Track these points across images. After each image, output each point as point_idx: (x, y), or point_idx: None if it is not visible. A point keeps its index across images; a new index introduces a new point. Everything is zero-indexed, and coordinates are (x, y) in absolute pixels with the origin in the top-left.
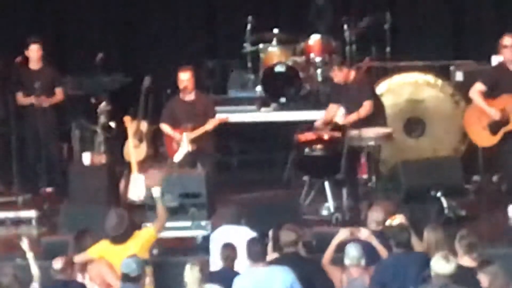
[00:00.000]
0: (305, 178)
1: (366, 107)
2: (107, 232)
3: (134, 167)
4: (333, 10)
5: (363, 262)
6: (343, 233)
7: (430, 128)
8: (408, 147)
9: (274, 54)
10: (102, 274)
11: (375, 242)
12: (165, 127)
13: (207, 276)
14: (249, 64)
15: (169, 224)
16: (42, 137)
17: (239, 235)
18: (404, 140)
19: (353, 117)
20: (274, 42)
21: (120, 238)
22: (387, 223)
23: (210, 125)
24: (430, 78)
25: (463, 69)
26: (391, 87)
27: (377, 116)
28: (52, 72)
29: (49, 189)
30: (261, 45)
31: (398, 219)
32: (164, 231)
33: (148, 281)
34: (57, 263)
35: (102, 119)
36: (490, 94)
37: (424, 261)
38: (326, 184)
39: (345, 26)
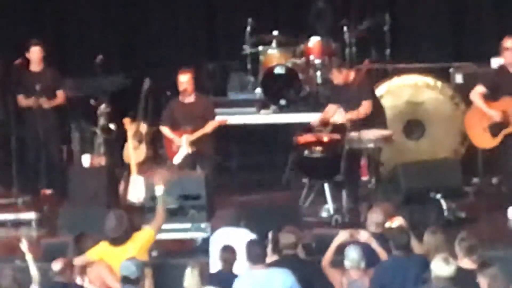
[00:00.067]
0: (305, 180)
1: (365, 106)
2: (106, 234)
3: (134, 169)
4: (333, 12)
5: (363, 264)
6: (342, 235)
7: (430, 130)
8: (408, 149)
9: (274, 56)
10: (101, 276)
11: (374, 244)
12: (164, 130)
13: (206, 278)
14: (249, 66)
15: (168, 226)
16: (43, 139)
17: (239, 237)
18: (404, 142)
19: (353, 115)
20: (274, 44)
21: (119, 240)
22: (387, 225)
23: (209, 127)
24: (429, 80)
25: (463, 71)
26: (391, 89)
27: (377, 118)
28: (53, 74)
29: (48, 191)
30: (260, 47)
31: (397, 221)
32: (164, 233)
33: (148, 283)
34: (57, 265)
35: (102, 121)
36: (491, 97)
37: (424, 264)
38: (326, 186)
39: (345, 28)
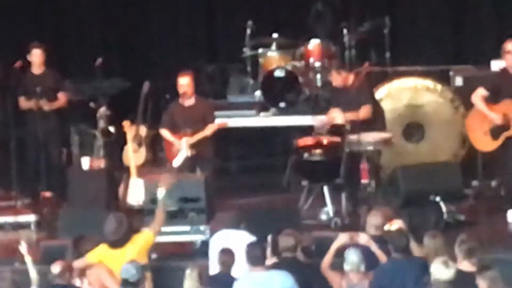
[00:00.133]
0: (304, 182)
1: (365, 110)
2: (106, 237)
3: (133, 171)
4: (333, 15)
5: (362, 267)
6: (342, 238)
7: (430, 133)
8: (408, 152)
9: (274, 58)
10: (101, 278)
11: (374, 247)
12: (164, 132)
13: (206, 280)
14: (249, 69)
15: (168, 228)
16: (43, 141)
17: (238, 239)
18: (404, 145)
19: (352, 116)
20: (274, 46)
21: (118, 242)
22: (386, 228)
23: (209, 130)
24: (429, 83)
25: (463, 74)
26: (391, 92)
27: (377, 121)
28: (55, 77)
29: (48, 194)
30: (260, 50)
31: (396, 224)
32: (163, 236)
33: (147, 286)
34: (56, 268)
35: (102, 123)
36: (492, 99)
37: (423, 266)
38: (325, 188)
39: (345, 31)
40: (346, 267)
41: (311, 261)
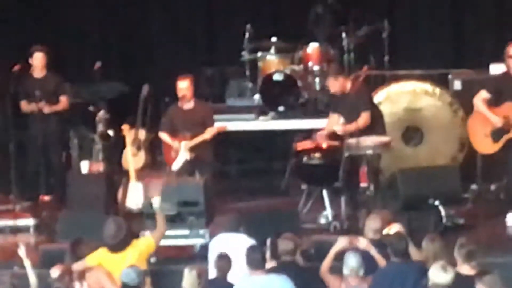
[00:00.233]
0: (304, 186)
1: (364, 117)
2: (105, 240)
3: (132, 175)
4: (332, 19)
5: (361, 272)
6: (341, 242)
7: (428, 137)
8: (406, 156)
9: (272, 62)
10: (100, 282)
11: (373, 251)
12: (163, 136)
13: (205, 284)
14: (247, 73)
15: (167, 232)
16: (43, 145)
17: (238, 243)
18: (402, 148)
19: (351, 127)
20: (272, 50)
21: (118, 246)
22: (385, 231)
23: (208, 133)
24: (428, 86)
25: (462, 77)
26: (389, 96)
27: (376, 125)
28: (56, 80)
29: (47, 197)
30: (259, 54)
31: (395, 228)
32: (163, 240)
33: None
34: (55, 272)
35: (101, 127)
36: (494, 102)
37: (422, 270)
38: (325, 192)
39: (344, 35)
40: (345, 271)
41: (310, 265)
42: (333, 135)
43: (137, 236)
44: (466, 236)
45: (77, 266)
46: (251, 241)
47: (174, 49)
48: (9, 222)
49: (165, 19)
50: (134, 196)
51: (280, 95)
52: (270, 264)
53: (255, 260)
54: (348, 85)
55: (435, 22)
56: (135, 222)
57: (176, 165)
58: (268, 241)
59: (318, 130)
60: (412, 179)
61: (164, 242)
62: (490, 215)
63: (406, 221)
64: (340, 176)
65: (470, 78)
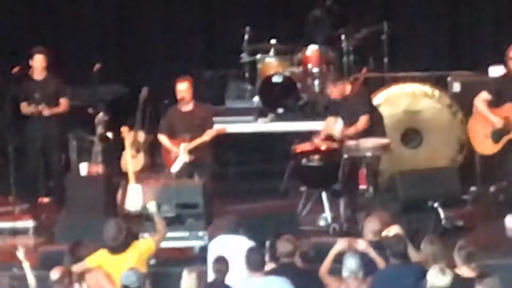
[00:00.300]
0: (303, 188)
1: (363, 121)
2: (105, 242)
3: (132, 177)
4: (331, 21)
5: (361, 274)
6: (340, 244)
7: (428, 139)
8: (406, 158)
9: (272, 64)
10: (99, 283)
11: (372, 253)
12: (162, 138)
13: (204, 286)
14: (247, 75)
15: (166, 234)
16: (42, 147)
17: (237, 244)
18: (402, 150)
19: (351, 131)
20: (272, 52)
21: (118, 248)
22: (384, 233)
23: (207, 135)
24: (427, 88)
25: (461, 80)
26: (389, 98)
27: (375, 127)
28: (56, 83)
29: (46, 199)
30: (258, 56)
31: (394, 230)
32: (161, 243)
33: None
34: (55, 274)
35: (100, 129)
36: (495, 103)
37: (421, 272)
38: (324, 194)
39: (343, 37)
40: (345, 273)
41: (309, 267)
42: (331, 138)
43: (136, 238)
44: (465, 238)
45: (76, 268)
46: (250, 243)
47: (173, 51)
48: (8, 224)
49: (165, 21)
50: (133, 198)
51: (279, 97)
52: (269, 266)
53: (255, 262)
54: (348, 88)
55: (434, 24)
56: (134, 224)
57: (175, 167)
58: (267, 243)
59: (317, 132)
60: (411, 181)
61: (163, 244)
62: (489, 217)
63: (405, 223)
64: (339, 178)
65: (469, 80)
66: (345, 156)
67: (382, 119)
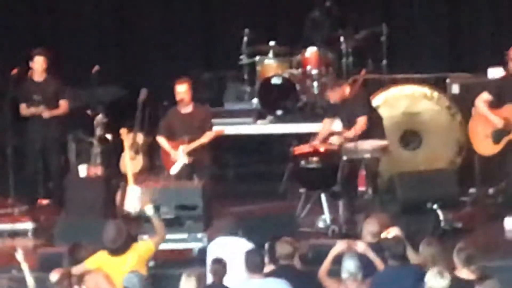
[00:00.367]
0: (302, 190)
1: (361, 122)
2: (105, 244)
3: (130, 179)
4: (330, 23)
5: (360, 276)
6: (339, 246)
7: (426, 141)
8: (405, 160)
9: (271, 66)
10: (99, 285)
11: (371, 255)
12: (161, 140)
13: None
14: (246, 77)
15: (165, 236)
16: (42, 149)
17: (236, 246)
18: (400, 152)
19: (349, 134)
20: (271, 54)
21: (118, 250)
22: (383, 235)
23: (207, 137)
24: (426, 90)
25: (459, 81)
26: (388, 100)
27: (374, 129)
28: (56, 84)
29: (45, 201)
30: (257, 58)
31: (393, 232)
32: (160, 245)
33: None
34: (54, 276)
35: (99, 131)
36: (495, 104)
37: (420, 274)
38: (323, 196)
39: (342, 39)
40: (344, 275)
41: (308, 269)
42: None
43: (136, 240)
44: (464, 240)
45: (76, 270)
46: (249, 245)
47: (172, 53)
48: (8, 226)
49: (164, 23)
50: (132, 200)
51: (278, 99)
52: (268, 268)
53: (254, 264)
54: (347, 90)
55: (433, 26)
56: (134, 226)
57: (174, 169)
58: (266, 245)
59: (316, 134)
60: (410, 183)
61: (162, 246)
62: (489, 219)
63: (404, 224)
64: (338, 180)
65: (468, 82)
66: (344, 158)
67: (381, 121)
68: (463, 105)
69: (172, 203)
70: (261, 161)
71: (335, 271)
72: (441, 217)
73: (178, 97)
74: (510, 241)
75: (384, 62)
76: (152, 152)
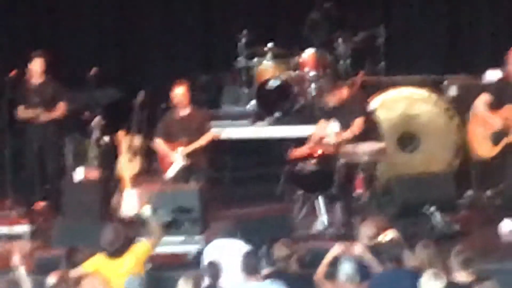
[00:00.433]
0: (299, 192)
1: (357, 124)
2: (103, 247)
3: (128, 182)
4: (328, 25)
5: (357, 279)
6: (337, 248)
7: (424, 143)
8: (402, 162)
9: (268, 68)
10: None
11: (368, 258)
12: (159, 143)
13: None
14: (243, 79)
15: (162, 239)
16: (39, 151)
17: (233, 249)
18: (398, 155)
19: (346, 135)
20: (268, 56)
21: (116, 252)
22: (379, 238)
23: (204, 140)
24: (424, 92)
25: (457, 83)
26: (385, 102)
27: (372, 131)
28: (54, 87)
29: (42, 204)
30: (255, 60)
31: (390, 234)
32: (158, 246)
33: None
34: (51, 279)
35: (96, 133)
36: (495, 106)
37: (417, 277)
38: (320, 199)
39: (340, 41)
40: (341, 277)
41: (305, 271)
42: (323, 141)
43: (133, 242)
44: (462, 243)
45: (74, 273)
46: (246, 247)
47: (170, 55)
48: (5, 229)
49: (161, 25)
50: (129, 203)
51: (276, 101)
52: (265, 270)
53: (251, 266)
54: (345, 92)
55: (431, 28)
56: (131, 228)
57: (172, 172)
58: (264, 248)
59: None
60: (407, 186)
61: (159, 249)
62: (485, 222)
63: (402, 227)
64: (335, 183)
65: (466, 84)
66: (342, 161)
67: (378, 124)
68: (461, 107)
69: (169, 205)
70: (259, 164)
71: (332, 274)
72: (438, 219)
73: (176, 100)
74: (507, 244)
75: (382, 64)
76: (149, 155)
